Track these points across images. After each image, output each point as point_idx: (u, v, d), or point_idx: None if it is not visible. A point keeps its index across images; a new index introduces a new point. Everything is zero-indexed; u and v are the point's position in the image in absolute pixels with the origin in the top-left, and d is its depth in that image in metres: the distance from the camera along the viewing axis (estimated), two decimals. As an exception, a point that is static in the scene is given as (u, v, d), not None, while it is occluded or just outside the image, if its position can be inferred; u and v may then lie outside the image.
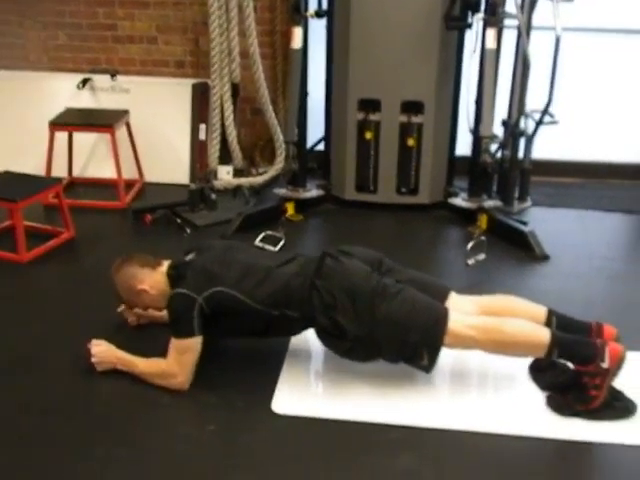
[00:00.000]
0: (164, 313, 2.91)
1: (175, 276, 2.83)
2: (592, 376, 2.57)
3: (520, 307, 2.85)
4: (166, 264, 2.92)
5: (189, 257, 2.90)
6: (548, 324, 2.77)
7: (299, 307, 2.73)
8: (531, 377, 2.82)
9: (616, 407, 2.62)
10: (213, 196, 4.51)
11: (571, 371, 2.67)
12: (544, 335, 2.63)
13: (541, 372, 2.79)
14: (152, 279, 2.89)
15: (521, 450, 2.52)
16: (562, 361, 2.71)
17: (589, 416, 2.60)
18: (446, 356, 2.80)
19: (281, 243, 4.04)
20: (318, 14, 4.32)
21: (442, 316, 2.67)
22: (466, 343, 2.69)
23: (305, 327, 2.83)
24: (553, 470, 2.48)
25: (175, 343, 2.73)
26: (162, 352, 2.78)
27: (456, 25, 4.26)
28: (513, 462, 2.48)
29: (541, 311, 2.84)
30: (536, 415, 2.66)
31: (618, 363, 2.56)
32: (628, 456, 2.50)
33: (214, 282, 2.73)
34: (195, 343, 2.73)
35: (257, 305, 2.73)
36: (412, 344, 2.66)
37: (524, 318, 2.73)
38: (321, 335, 2.78)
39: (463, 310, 2.77)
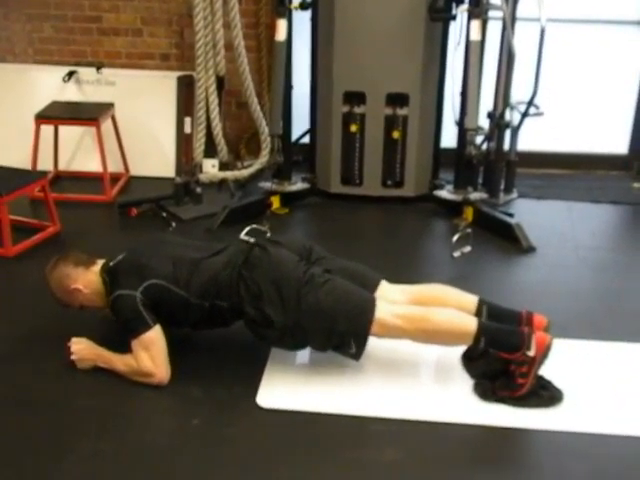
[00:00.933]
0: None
1: (109, 280, 2.85)
2: (519, 364, 2.61)
3: (450, 296, 2.88)
4: (100, 263, 2.94)
5: (119, 257, 2.91)
6: (478, 313, 2.81)
7: (228, 297, 2.75)
8: (463, 366, 2.84)
9: (542, 395, 2.66)
10: (198, 190, 4.50)
11: (501, 359, 2.69)
12: (471, 324, 2.67)
13: (473, 361, 2.81)
14: (86, 278, 2.90)
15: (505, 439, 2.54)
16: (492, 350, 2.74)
17: (514, 403, 2.63)
18: (429, 349, 2.83)
19: (266, 236, 4.03)
20: (302, 6, 4.31)
21: (369, 305, 2.69)
22: (394, 332, 2.71)
23: (236, 318, 2.83)
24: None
25: (137, 342, 2.72)
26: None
27: (440, 17, 4.26)
28: (497, 453, 2.50)
29: (472, 300, 2.87)
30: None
31: (544, 352, 2.59)
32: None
33: (145, 276, 2.76)
34: (156, 333, 2.73)
35: (190, 297, 2.76)
36: (339, 333, 2.69)
37: (454, 307, 2.76)
38: (250, 325, 2.79)
39: (392, 299, 2.80)
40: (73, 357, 2.83)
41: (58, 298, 2.97)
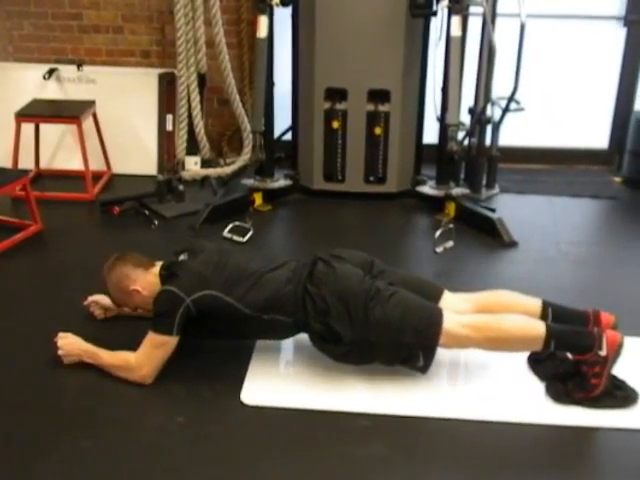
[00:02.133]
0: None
1: (167, 275, 2.81)
2: (591, 365, 2.59)
3: (514, 301, 2.85)
4: (159, 265, 2.90)
5: (181, 257, 2.87)
6: (544, 316, 2.78)
7: (292, 313, 2.72)
8: (530, 368, 2.83)
9: (617, 396, 2.63)
10: (181, 187, 4.48)
11: (570, 360, 2.68)
12: (539, 328, 2.63)
13: (540, 363, 2.81)
14: (145, 280, 2.86)
15: (496, 436, 2.55)
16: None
17: (589, 404, 2.61)
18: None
19: (249, 234, 4.04)
20: (283, 2, 4.29)
21: (436, 316, 2.67)
22: (462, 342, 2.69)
23: (297, 332, 2.82)
24: (528, 456, 2.49)
25: (151, 337, 2.71)
26: (129, 344, 2.78)
27: (421, 13, 4.27)
28: (486, 448, 2.51)
29: (536, 304, 2.84)
30: (515, 401, 2.69)
31: (616, 350, 2.57)
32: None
33: (205, 285, 2.71)
34: (170, 342, 2.72)
35: (246, 309, 2.72)
36: (407, 346, 2.66)
37: (519, 312, 2.73)
38: (315, 340, 2.77)
39: (457, 309, 2.77)
40: (60, 352, 2.82)
41: (115, 298, 2.96)
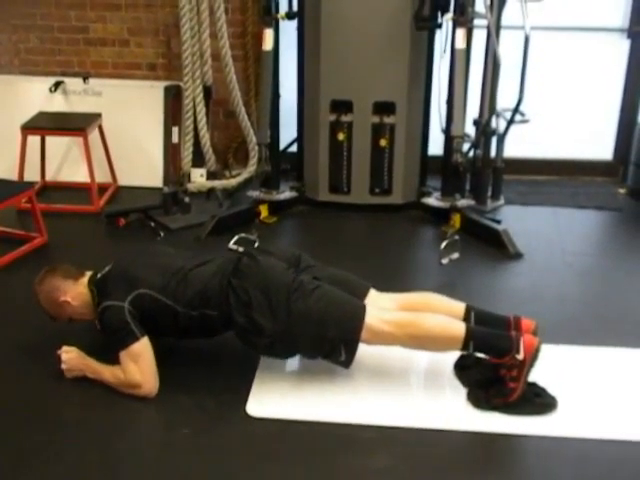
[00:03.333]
0: None
1: (96, 291, 2.85)
2: (509, 368, 2.62)
3: (438, 303, 2.90)
4: (88, 275, 2.95)
5: (106, 268, 2.92)
6: (466, 319, 2.82)
7: (218, 306, 2.75)
8: (455, 375, 2.86)
9: (536, 403, 2.67)
10: (186, 199, 4.51)
11: (491, 365, 2.71)
12: (459, 329, 2.68)
13: (465, 370, 2.84)
14: (75, 291, 2.90)
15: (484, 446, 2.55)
16: (482, 356, 2.76)
17: (508, 410, 2.64)
18: (420, 356, 2.84)
19: (255, 246, 4.04)
20: (289, 16, 4.33)
21: (359, 311, 2.70)
22: (383, 338, 2.72)
23: (225, 327, 2.83)
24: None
25: (125, 353, 2.72)
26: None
27: (426, 25, 4.28)
28: (490, 458, 2.51)
29: (459, 307, 2.88)
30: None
31: (533, 355, 2.60)
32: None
33: (134, 285, 2.77)
34: (143, 345, 2.73)
35: (177, 306, 2.76)
36: (329, 340, 2.69)
37: (442, 313, 2.77)
38: (240, 334, 2.79)
39: (381, 306, 2.81)
40: (62, 366, 2.83)
41: (47, 310, 2.97)
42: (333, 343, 2.71)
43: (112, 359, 2.78)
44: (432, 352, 2.84)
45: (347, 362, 2.75)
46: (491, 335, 2.71)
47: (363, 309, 2.71)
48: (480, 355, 2.76)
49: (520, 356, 2.60)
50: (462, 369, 2.85)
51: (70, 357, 2.84)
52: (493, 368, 2.69)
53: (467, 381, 2.80)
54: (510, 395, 2.63)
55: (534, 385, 2.72)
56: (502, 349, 2.64)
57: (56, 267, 2.98)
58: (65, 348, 2.86)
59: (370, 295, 2.89)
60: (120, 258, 2.98)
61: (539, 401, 2.68)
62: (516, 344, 2.61)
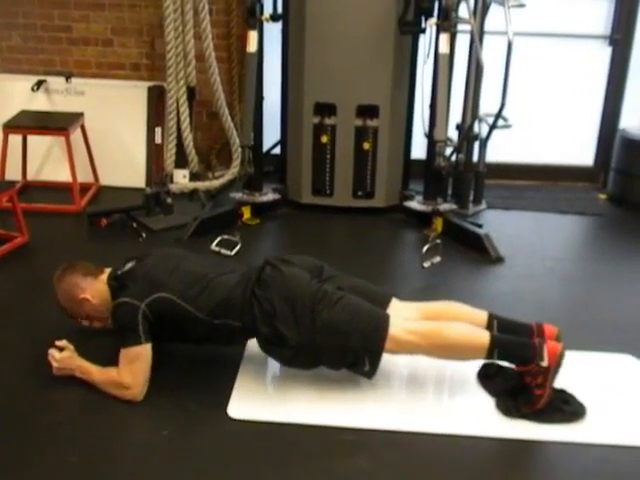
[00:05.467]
0: None
1: (116, 286, 2.82)
2: (534, 375, 2.62)
3: (461, 312, 2.88)
4: (107, 272, 2.91)
5: (128, 265, 2.88)
6: (489, 328, 2.81)
7: (240, 317, 2.74)
8: (480, 384, 2.86)
9: (565, 411, 2.66)
10: (169, 200, 4.49)
11: (516, 374, 2.71)
12: (483, 337, 2.67)
13: (490, 379, 2.84)
14: (94, 288, 2.87)
15: (472, 450, 2.56)
16: (507, 365, 2.76)
17: (537, 419, 2.63)
18: (398, 360, 2.85)
19: (237, 247, 4.04)
20: (273, 18, 4.33)
21: (383, 322, 2.69)
22: (407, 348, 2.71)
23: (247, 337, 2.83)
24: (500, 468, 2.52)
25: (124, 352, 2.71)
26: (114, 360, 2.76)
27: (410, 30, 4.31)
28: (464, 461, 2.51)
29: (482, 315, 2.87)
30: (486, 417, 2.70)
31: (557, 361, 2.60)
32: (572, 454, 2.54)
33: (156, 288, 2.73)
34: (144, 350, 2.71)
35: (198, 313, 2.74)
36: (353, 350, 2.68)
37: (465, 322, 2.76)
38: (263, 344, 2.77)
39: (404, 316, 2.80)
40: (54, 363, 2.80)
41: (65, 308, 2.94)
42: (357, 354, 2.69)
43: (102, 361, 2.78)
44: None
45: (371, 373, 2.73)
46: (515, 343, 2.69)
47: (387, 319, 2.69)
48: (502, 363, 2.76)
49: (544, 363, 2.59)
50: (487, 378, 2.85)
51: (64, 356, 2.80)
52: (518, 376, 2.69)
53: (494, 390, 2.79)
54: (537, 402, 2.62)
55: (563, 392, 2.72)
56: (526, 357, 2.62)
57: (75, 264, 2.94)
58: (62, 343, 2.82)
59: (392, 304, 2.87)
60: (142, 257, 2.91)
61: (568, 409, 2.67)
62: (540, 351, 2.60)
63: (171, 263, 2.87)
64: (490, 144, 4.65)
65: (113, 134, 4.99)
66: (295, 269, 2.82)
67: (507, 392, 2.74)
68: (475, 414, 2.71)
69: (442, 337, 2.68)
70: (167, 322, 2.75)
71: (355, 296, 2.77)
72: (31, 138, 4.79)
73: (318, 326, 2.66)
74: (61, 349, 2.82)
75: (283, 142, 4.74)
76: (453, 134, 4.69)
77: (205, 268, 2.88)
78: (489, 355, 2.66)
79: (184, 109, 4.74)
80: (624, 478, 2.45)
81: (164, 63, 4.72)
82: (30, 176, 4.94)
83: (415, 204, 4.60)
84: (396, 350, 2.70)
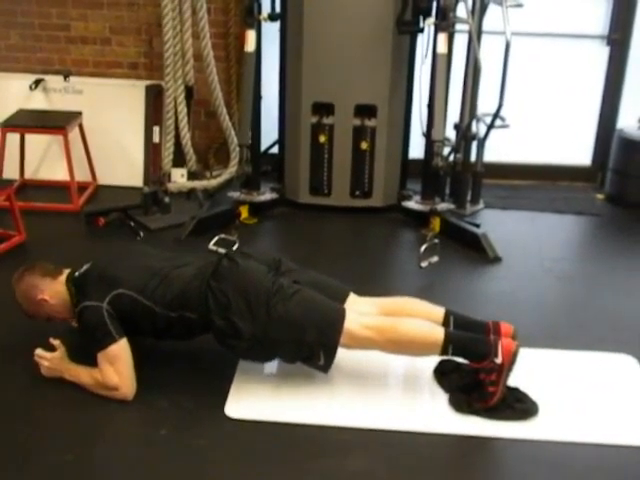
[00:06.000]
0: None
1: (75, 289, 2.84)
2: (488, 372, 2.63)
3: (418, 308, 2.90)
4: (66, 273, 2.93)
5: (85, 267, 2.90)
6: (445, 324, 2.83)
7: (197, 309, 2.74)
8: (436, 380, 2.87)
9: (516, 408, 2.67)
10: (167, 199, 4.50)
11: (471, 370, 2.72)
12: (438, 333, 2.69)
13: (445, 375, 2.86)
14: (52, 289, 2.88)
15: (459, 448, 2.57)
16: (462, 361, 2.78)
17: (488, 415, 2.65)
18: (397, 360, 2.86)
19: (235, 247, 4.03)
20: (271, 17, 4.34)
21: (338, 316, 2.70)
22: (363, 343, 2.72)
23: (204, 329, 2.82)
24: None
25: (102, 355, 2.70)
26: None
27: (408, 29, 4.30)
28: (465, 460, 2.52)
29: (439, 311, 2.89)
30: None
31: (511, 358, 2.62)
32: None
33: (113, 286, 2.75)
34: (121, 347, 2.71)
35: (156, 307, 2.75)
36: (308, 344, 2.69)
37: (421, 318, 2.78)
38: (218, 336, 2.77)
39: (361, 311, 2.81)
40: (45, 363, 2.80)
41: (25, 309, 2.95)
42: (312, 347, 2.71)
43: (91, 362, 2.76)
44: (411, 356, 2.85)
45: (326, 367, 2.75)
46: (470, 339, 2.72)
47: (343, 313, 2.71)
48: (459, 360, 2.78)
49: (498, 360, 2.61)
50: (442, 374, 2.87)
51: (56, 356, 2.80)
52: (473, 372, 2.71)
53: (448, 386, 2.81)
54: (490, 399, 2.64)
55: (516, 390, 2.74)
56: (480, 353, 2.65)
57: (34, 265, 2.96)
58: (57, 343, 2.81)
59: (350, 299, 2.89)
60: (99, 257, 2.96)
61: (520, 407, 2.68)
62: (494, 348, 2.63)
63: (126, 259, 2.91)
64: (488, 144, 4.65)
65: (111, 133, 4.99)
66: (251, 262, 2.83)
67: (461, 388, 2.76)
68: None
69: (397, 332, 2.70)
70: (128, 318, 2.76)
71: (312, 290, 2.78)
72: (29, 137, 4.79)
73: (273, 319, 2.67)
74: (53, 348, 2.82)
75: (281, 141, 4.74)
76: (451, 134, 4.69)
77: (161, 262, 2.91)
78: (444, 351, 2.68)
79: (182, 108, 4.74)
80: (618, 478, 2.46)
81: (162, 62, 4.72)
82: (28, 175, 4.94)
83: (413, 204, 4.60)
84: (352, 345, 2.72)
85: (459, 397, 2.73)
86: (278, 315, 2.67)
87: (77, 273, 2.90)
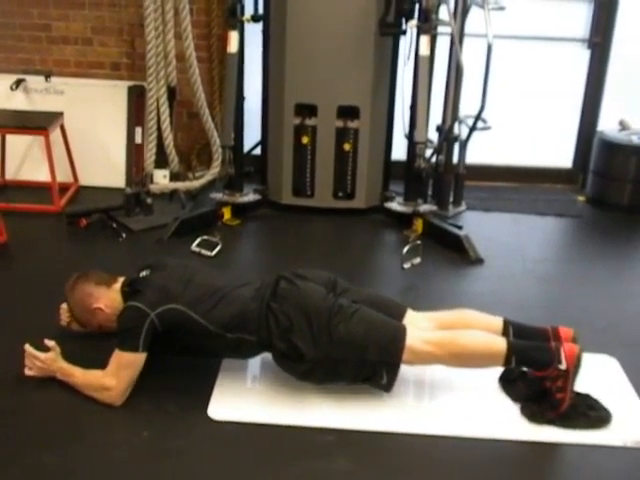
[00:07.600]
0: None
1: (130, 292, 2.80)
2: (553, 380, 2.61)
3: (476, 319, 2.87)
4: (121, 281, 2.89)
5: (143, 273, 2.87)
6: (505, 334, 2.80)
7: (256, 331, 2.71)
8: (502, 389, 2.85)
9: (590, 416, 2.66)
10: (149, 200, 4.48)
11: (538, 380, 2.70)
12: (500, 344, 2.66)
13: (511, 384, 2.83)
14: (107, 297, 2.85)
15: (459, 450, 2.58)
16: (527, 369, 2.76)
17: (563, 424, 2.63)
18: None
19: (217, 248, 4.04)
20: (254, 19, 4.33)
21: (400, 333, 2.68)
22: (425, 359, 2.70)
23: (261, 351, 2.80)
24: (489, 470, 2.52)
25: (119, 355, 2.68)
26: (98, 361, 2.74)
27: (390, 31, 4.31)
28: (449, 462, 2.53)
29: (497, 322, 2.86)
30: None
31: (576, 362, 2.60)
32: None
33: (170, 299, 2.70)
34: (138, 359, 2.68)
35: (211, 326, 2.70)
36: (371, 363, 2.67)
37: (480, 329, 2.75)
38: (279, 359, 2.76)
39: (420, 326, 2.79)
40: (38, 363, 2.77)
41: (77, 318, 2.94)
42: (375, 366, 2.68)
43: (83, 365, 2.77)
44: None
45: (389, 385, 2.72)
46: (532, 348, 2.69)
47: (404, 331, 2.68)
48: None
49: (563, 366, 2.58)
50: (508, 382, 2.84)
51: (50, 357, 2.77)
52: (538, 381, 2.69)
53: (516, 395, 2.78)
54: (560, 406, 2.62)
55: (587, 397, 2.73)
56: (544, 361, 2.62)
57: (88, 273, 2.92)
58: (52, 344, 2.78)
59: (408, 315, 2.86)
60: (158, 267, 2.88)
61: (594, 415, 2.67)
62: (557, 354, 2.60)
63: (186, 275, 2.83)
64: (470, 146, 4.67)
65: (93, 134, 4.96)
66: (310, 283, 2.80)
67: (529, 398, 2.73)
68: (462, 413, 2.74)
69: (459, 346, 2.67)
70: (177, 334, 2.73)
71: (371, 309, 2.76)
72: (10, 137, 4.76)
73: (335, 340, 2.64)
74: (46, 349, 2.79)
75: (264, 143, 4.73)
76: (433, 136, 4.71)
77: (220, 281, 2.86)
78: (507, 362, 2.65)
79: (164, 109, 4.72)
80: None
81: (144, 63, 4.68)
82: (9, 176, 4.91)
83: (395, 205, 4.61)
84: (414, 361, 2.70)
85: (532, 407, 2.70)
86: (340, 335, 2.64)
87: (134, 278, 2.85)
